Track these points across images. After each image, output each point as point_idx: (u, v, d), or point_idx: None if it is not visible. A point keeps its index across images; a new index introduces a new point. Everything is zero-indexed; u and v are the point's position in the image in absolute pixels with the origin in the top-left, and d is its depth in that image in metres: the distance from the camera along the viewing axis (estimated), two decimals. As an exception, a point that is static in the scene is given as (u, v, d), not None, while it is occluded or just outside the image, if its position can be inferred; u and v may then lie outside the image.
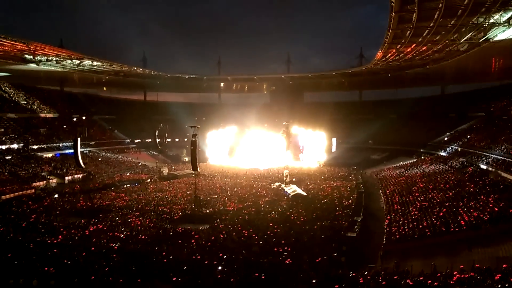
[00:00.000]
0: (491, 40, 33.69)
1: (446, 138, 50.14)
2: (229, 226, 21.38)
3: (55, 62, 50.19)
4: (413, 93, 71.28)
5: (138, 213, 24.59)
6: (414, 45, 44.28)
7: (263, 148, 62.43)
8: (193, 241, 18.87)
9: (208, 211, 25.46)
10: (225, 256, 16.31)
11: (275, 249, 17.53)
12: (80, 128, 51.68)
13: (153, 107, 79.27)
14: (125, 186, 36.78)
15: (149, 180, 40.84)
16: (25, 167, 40.08)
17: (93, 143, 55.70)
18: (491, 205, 21.24)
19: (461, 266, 13.82)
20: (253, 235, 19.61)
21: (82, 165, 44.15)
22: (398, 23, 34.18)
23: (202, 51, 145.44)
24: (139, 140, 65.57)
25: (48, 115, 56.94)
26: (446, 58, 51.76)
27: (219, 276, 14.10)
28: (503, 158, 32.29)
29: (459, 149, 42.65)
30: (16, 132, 47.37)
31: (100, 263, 15.03)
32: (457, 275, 12.97)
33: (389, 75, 70.70)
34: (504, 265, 13.19)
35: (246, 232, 20.18)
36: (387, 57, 52.65)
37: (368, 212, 26.92)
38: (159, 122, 67.07)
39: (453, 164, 37.87)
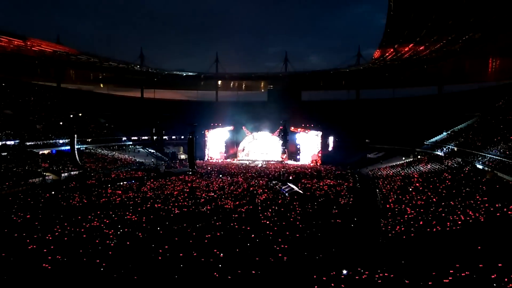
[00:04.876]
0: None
1: (442, 138, 50.30)
2: (226, 224, 21.37)
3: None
4: (410, 93, 71.68)
5: (134, 211, 24.53)
6: (412, 44, 44.46)
7: (260, 146, 62.66)
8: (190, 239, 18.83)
9: (204, 208, 25.41)
10: (222, 254, 16.32)
11: (272, 246, 17.56)
12: (76, 125, 51.55)
13: (150, 104, 79.16)
14: (121, 183, 36.67)
15: (145, 177, 40.73)
16: (21, 163, 39.83)
17: (89, 140, 55.55)
18: (487, 205, 21.34)
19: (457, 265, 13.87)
20: (250, 234, 19.63)
21: (79, 163, 44.18)
22: (396, 22, 34.27)
23: (199, 49, 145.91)
24: (136, 138, 65.38)
25: (45, 111, 56.67)
26: (444, 58, 51.96)
27: (216, 274, 14.11)
28: (499, 158, 32.43)
29: (456, 148, 42.78)
30: (12, 128, 47.07)
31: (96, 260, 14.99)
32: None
33: (387, 74, 71.12)
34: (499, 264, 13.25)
35: (243, 230, 20.19)
36: (384, 56, 52.87)
37: (364, 210, 27.00)
38: (156, 120, 67.12)
39: (450, 164, 37.99)
